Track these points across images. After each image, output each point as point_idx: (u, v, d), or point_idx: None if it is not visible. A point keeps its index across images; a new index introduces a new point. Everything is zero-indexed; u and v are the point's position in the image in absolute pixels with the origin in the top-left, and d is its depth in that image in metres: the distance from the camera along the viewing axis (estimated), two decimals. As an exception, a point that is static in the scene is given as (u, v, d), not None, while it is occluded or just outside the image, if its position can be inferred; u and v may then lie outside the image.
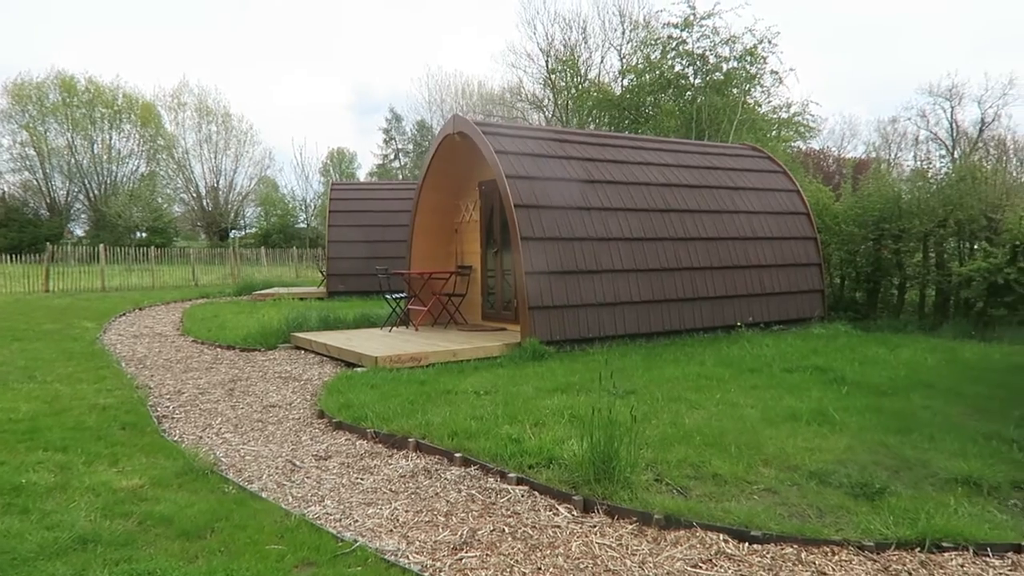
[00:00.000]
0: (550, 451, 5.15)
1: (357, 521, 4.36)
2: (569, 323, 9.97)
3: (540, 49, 31.45)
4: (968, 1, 48.41)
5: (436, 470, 5.24)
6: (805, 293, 12.65)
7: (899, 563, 3.68)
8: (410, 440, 5.78)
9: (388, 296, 11.95)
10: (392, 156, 61.54)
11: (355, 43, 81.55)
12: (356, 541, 4.00)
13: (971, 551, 3.76)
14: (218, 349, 11.00)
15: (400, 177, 56.21)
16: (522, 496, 4.66)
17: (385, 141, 61.85)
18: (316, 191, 51.20)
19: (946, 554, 3.75)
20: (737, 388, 7.36)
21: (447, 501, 4.63)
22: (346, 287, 19.68)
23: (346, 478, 5.15)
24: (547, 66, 31.19)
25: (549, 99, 31.84)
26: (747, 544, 3.89)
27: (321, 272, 21.56)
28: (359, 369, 8.86)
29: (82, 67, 74.44)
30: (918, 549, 3.78)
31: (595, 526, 4.18)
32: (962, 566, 3.64)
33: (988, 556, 3.72)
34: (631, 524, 4.18)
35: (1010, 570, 3.60)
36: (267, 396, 7.78)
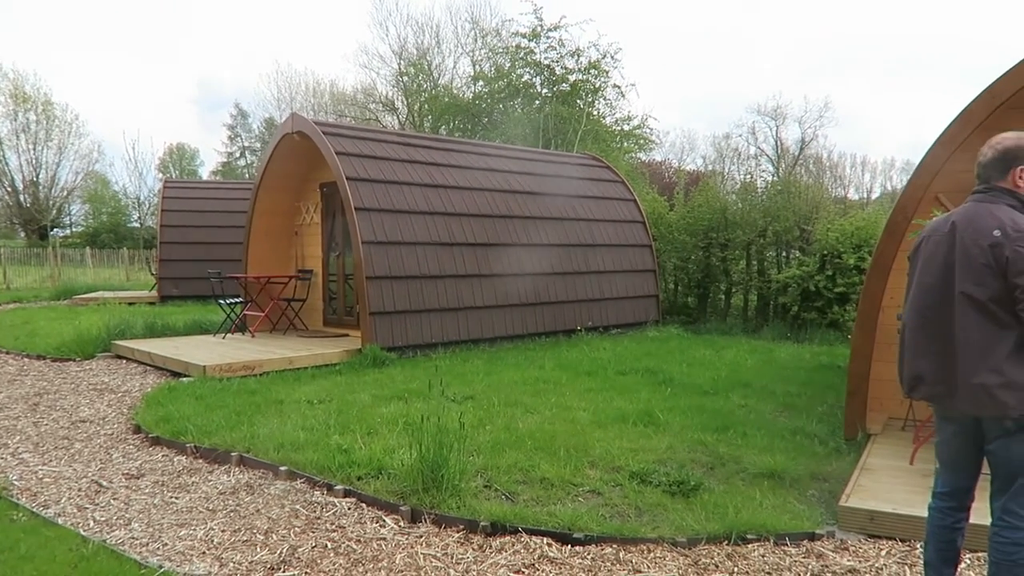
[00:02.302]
0: (380, 461, 5.03)
1: (167, 544, 4.05)
2: (412, 329, 9.86)
3: (392, 51, 31.11)
4: (791, 29, 52.83)
5: (259, 485, 4.98)
6: (641, 298, 13.23)
7: (708, 556, 3.86)
8: (233, 454, 5.47)
9: (223, 301, 11.33)
10: (238, 154, 58.79)
11: (200, 34, 77.09)
12: (162, 567, 3.71)
13: (772, 541, 4.01)
14: (25, 359, 9.98)
15: (247, 176, 53.75)
16: (349, 509, 4.51)
17: (230, 138, 59.02)
18: (151, 188, 47.89)
19: (750, 545, 3.99)
20: (573, 391, 7.54)
21: (269, 518, 4.41)
22: (180, 291, 18.54)
23: (159, 498, 4.78)
24: (400, 68, 30.91)
25: (402, 102, 31.55)
26: (569, 547, 3.96)
27: (153, 275, 20.17)
28: (185, 379, 8.31)
29: None
30: (726, 542, 4.00)
31: (421, 536, 4.11)
32: (763, 556, 3.88)
33: (786, 545, 3.99)
34: (458, 532, 4.15)
35: (804, 557, 3.87)
36: (78, 410, 7.13)
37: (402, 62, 30.68)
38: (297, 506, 4.58)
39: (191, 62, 78.02)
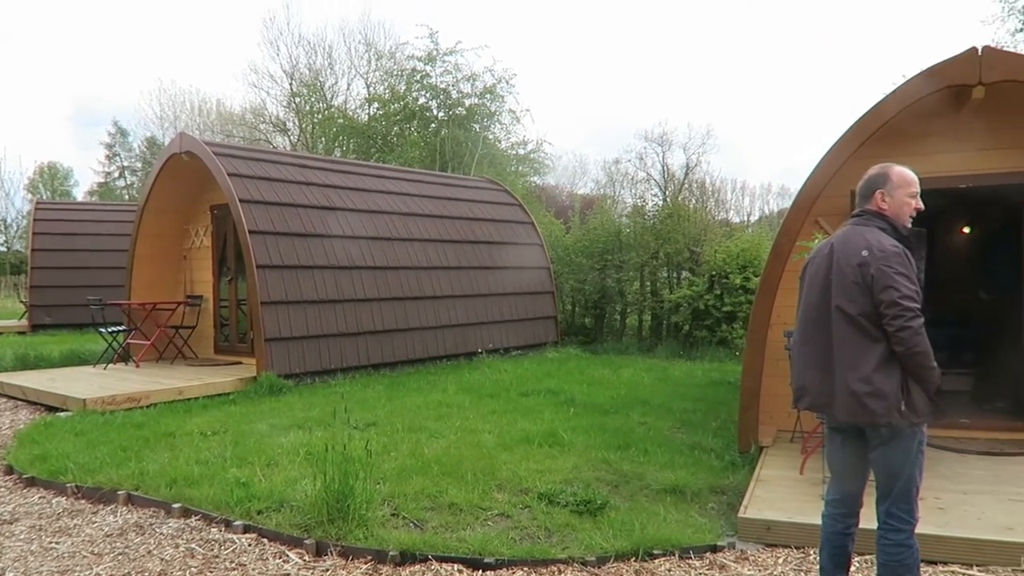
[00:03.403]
0: (282, 493, 4.86)
1: (47, 594, 3.76)
2: (309, 355, 9.60)
3: (284, 71, 30.39)
4: (675, 57, 55.29)
5: (151, 524, 4.70)
6: (540, 319, 13.40)
7: (617, 574, 3.93)
8: (120, 493, 5.14)
9: (103, 330, 10.68)
10: (117, 174, 55.68)
11: (76, 48, 72.83)
12: (42, 619, 3.43)
13: (677, 555, 4.12)
14: None
15: (127, 197, 50.99)
16: (249, 545, 4.32)
17: (108, 157, 55.86)
18: (20, 210, 44.68)
19: (656, 560, 4.08)
20: (477, 414, 7.53)
21: (162, 559, 4.16)
22: (53, 319, 17.34)
23: (36, 544, 4.44)
24: (291, 89, 30.24)
25: (294, 122, 30.84)
26: (481, 572, 3.94)
27: (23, 302, 18.78)
28: (63, 414, 7.76)
29: None
30: (633, 559, 4.08)
31: (328, 570, 3.99)
32: (669, 570, 3.98)
33: (691, 558, 4.11)
34: (366, 564, 4.05)
35: (707, 569, 3.99)
36: (-63, 453, 6.53)
37: (294, 82, 30.06)
38: (193, 545, 4.35)
39: (65, 77, 73.63)
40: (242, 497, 4.84)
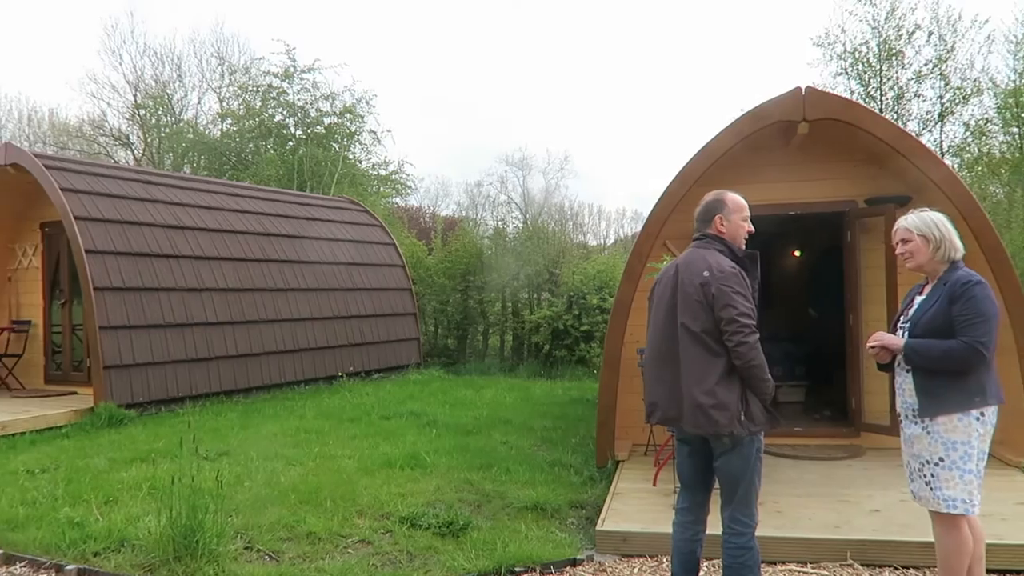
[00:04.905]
0: (122, 532, 4.52)
1: None
2: (155, 382, 9.02)
3: (127, 81, 28.61)
4: (531, 83, 56.86)
5: (-35, 576, 4.23)
6: (403, 341, 13.28)
7: (479, 594, 3.94)
8: (-72, 542, 4.60)
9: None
10: (-74, 187, 50.23)
11: None
12: None
13: (538, 571, 4.19)
14: None
15: (-62, 213, 46.01)
16: (84, 590, 3.98)
17: (-84, 168, 50.31)
18: None
19: (518, 578, 4.13)
20: (336, 439, 7.34)
21: (-21, 613, 3.76)
22: None
23: None
24: (136, 100, 28.51)
25: (138, 136, 29.04)
26: (340, 601, 3.83)
27: None
28: None
29: None
30: (495, 577, 4.10)
31: (174, 611, 3.74)
32: (531, 587, 4.03)
33: (551, 573, 4.19)
34: (217, 602, 3.83)
35: (567, 583, 4.08)
36: None
37: (139, 94, 28.36)
38: (17, 595, 3.96)
39: None
40: (76, 539, 4.45)
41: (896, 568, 4.12)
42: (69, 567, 4.18)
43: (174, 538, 4.12)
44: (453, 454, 6.68)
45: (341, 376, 11.52)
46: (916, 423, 3.27)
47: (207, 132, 26.38)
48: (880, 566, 4.14)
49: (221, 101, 28.23)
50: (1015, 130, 17.09)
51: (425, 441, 7.23)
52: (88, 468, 6.20)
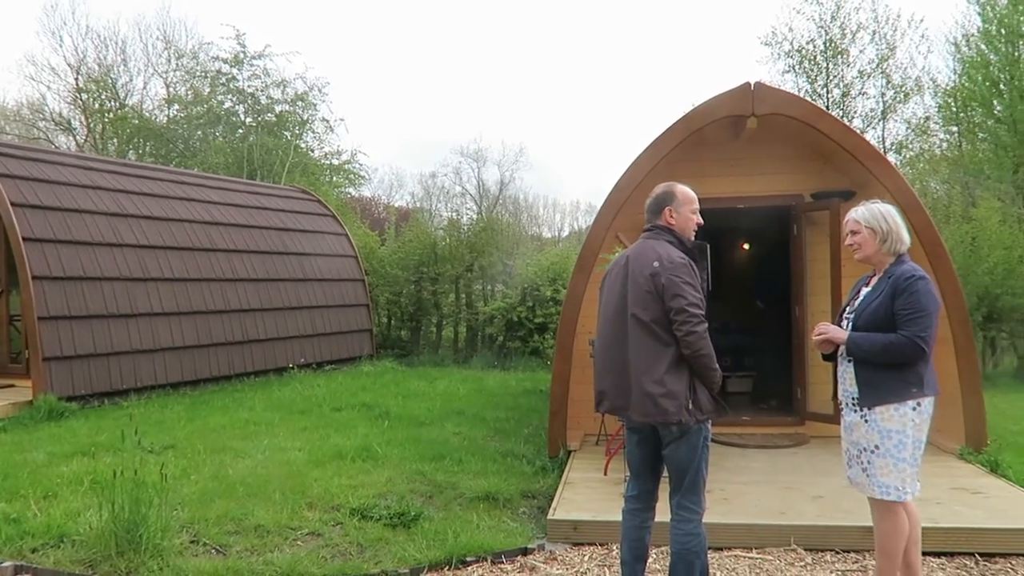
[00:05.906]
0: (61, 527, 4.39)
1: None
2: (97, 374, 8.78)
3: (69, 64, 27.64)
4: (486, 74, 56.77)
5: None
6: (355, 332, 13.16)
7: (430, 584, 3.93)
8: None
9: None
10: None
11: None
12: None
13: (489, 560, 4.20)
14: None
15: None
16: (21, 588, 3.86)
17: None
18: None
19: (470, 567, 4.14)
20: (286, 431, 7.25)
21: (-92, 613, 3.62)
22: None
23: None
24: (77, 84, 27.58)
25: (80, 121, 28.11)
26: (289, 594, 3.79)
27: None
28: None
29: None
30: (447, 568, 4.11)
31: (116, 607, 3.66)
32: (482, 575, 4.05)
33: (503, 563, 4.20)
34: (161, 597, 3.76)
35: (518, 572, 4.11)
36: None
37: (81, 77, 27.44)
38: (-51, 594, 3.82)
39: None
40: (12, 535, 4.31)
41: (837, 552, 4.24)
42: (5, 564, 4.05)
43: (116, 533, 4.02)
44: (405, 445, 6.65)
45: (292, 368, 11.37)
46: (856, 411, 3.36)
47: (153, 118, 25.69)
48: (822, 550, 4.26)
49: (168, 86, 27.49)
50: (954, 129, 17.69)
51: (377, 433, 7.18)
52: (26, 463, 6.01)
